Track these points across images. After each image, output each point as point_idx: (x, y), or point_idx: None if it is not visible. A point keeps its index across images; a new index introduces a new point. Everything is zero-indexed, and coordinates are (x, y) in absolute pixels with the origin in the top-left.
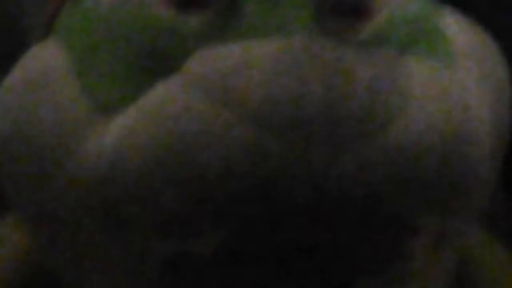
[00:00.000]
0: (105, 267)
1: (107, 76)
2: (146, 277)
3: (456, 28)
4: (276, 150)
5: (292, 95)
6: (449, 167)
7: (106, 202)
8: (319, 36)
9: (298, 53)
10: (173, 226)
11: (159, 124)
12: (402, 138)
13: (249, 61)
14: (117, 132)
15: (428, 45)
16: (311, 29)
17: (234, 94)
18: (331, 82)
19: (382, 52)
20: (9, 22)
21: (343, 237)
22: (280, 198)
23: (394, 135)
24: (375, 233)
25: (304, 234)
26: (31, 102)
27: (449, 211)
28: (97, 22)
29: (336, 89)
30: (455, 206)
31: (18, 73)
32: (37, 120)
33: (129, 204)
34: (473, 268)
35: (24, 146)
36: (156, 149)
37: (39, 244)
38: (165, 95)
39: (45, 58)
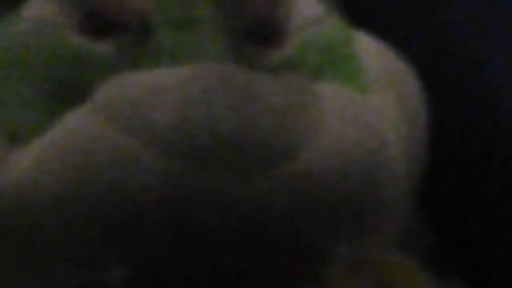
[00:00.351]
0: None
1: (16, 106)
2: None
3: (371, 52)
4: (185, 176)
5: (201, 121)
6: (360, 194)
7: (17, 233)
8: (231, 63)
9: (209, 80)
10: (84, 256)
11: (67, 154)
12: (311, 164)
13: (159, 88)
14: (27, 164)
15: (341, 70)
16: (223, 56)
17: (142, 121)
18: (241, 108)
19: (293, 77)
20: None
21: (257, 262)
22: (191, 224)
23: (303, 161)
24: (287, 259)
25: (216, 260)
26: None
27: (360, 237)
28: (6, 51)
29: (246, 115)
30: (366, 231)
31: None
32: None
33: (38, 234)
34: None
35: None
36: (64, 180)
37: None
38: (73, 124)
39: None
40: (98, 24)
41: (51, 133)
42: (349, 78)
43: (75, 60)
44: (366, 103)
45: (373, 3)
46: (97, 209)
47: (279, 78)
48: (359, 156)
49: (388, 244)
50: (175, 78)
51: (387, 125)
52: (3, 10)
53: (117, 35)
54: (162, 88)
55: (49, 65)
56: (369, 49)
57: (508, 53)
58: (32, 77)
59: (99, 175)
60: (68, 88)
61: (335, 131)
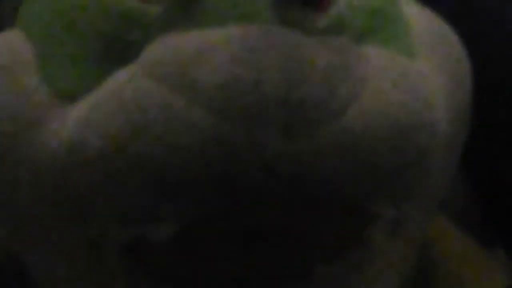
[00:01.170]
0: (62, 254)
1: (68, 64)
2: (103, 264)
3: (416, 16)
4: (231, 135)
5: (248, 81)
6: (402, 155)
7: (65, 188)
8: (277, 24)
9: (256, 41)
10: (130, 212)
11: (117, 111)
12: (355, 124)
13: (206, 48)
14: (77, 119)
15: (387, 33)
16: (271, 18)
17: (191, 80)
18: (287, 68)
19: (339, 40)
20: None
21: (300, 222)
22: (236, 182)
23: (347, 121)
24: (331, 220)
25: (261, 219)
26: None
27: (403, 199)
28: (58, 11)
29: (292, 75)
30: (409, 194)
31: None
32: None
33: (87, 190)
34: (434, 259)
35: None
36: (114, 135)
37: (2, 230)
38: (122, 82)
39: (8, 47)
40: None
41: (100, 90)
42: (395, 41)
43: (125, 20)
44: (411, 65)
45: None
46: (144, 165)
47: (325, 40)
48: (403, 117)
49: (431, 209)
50: (223, 38)
51: (432, 88)
52: None
53: None
54: (209, 47)
55: (99, 24)
56: (415, 13)
57: None
58: (82, 35)
59: (146, 132)
60: (117, 47)
61: (380, 92)
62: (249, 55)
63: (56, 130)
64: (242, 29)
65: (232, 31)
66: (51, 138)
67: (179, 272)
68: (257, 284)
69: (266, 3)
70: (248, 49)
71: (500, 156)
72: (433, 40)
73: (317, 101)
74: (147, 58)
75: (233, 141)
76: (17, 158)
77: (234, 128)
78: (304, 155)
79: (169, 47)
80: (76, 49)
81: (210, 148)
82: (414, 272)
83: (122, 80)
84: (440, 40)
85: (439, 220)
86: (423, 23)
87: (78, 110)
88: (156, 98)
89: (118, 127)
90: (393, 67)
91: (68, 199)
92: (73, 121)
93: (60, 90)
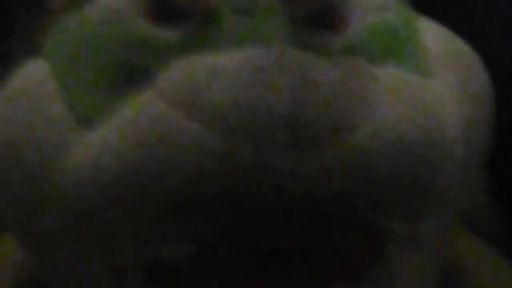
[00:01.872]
0: (88, 280)
1: (88, 90)
2: (125, 285)
3: (432, 35)
4: (244, 156)
5: (257, 102)
6: (413, 173)
7: (87, 213)
8: (292, 47)
9: (266, 61)
10: (148, 234)
11: (132, 136)
12: (365, 143)
13: (218, 70)
14: (97, 144)
15: (402, 53)
16: (285, 41)
17: (202, 103)
18: (296, 88)
19: (353, 61)
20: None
21: (315, 241)
22: (248, 202)
23: (357, 140)
24: (346, 238)
25: (277, 239)
26: (21, 115)
27: (419, 216)
28: (80, 39)
29: (303, 95)
30: (425, 212)
31: (9, 87)
32: (25, 132)
33: (107, 214)
34: (462, 275)
35: (11, 158)
36: (131, 160)
37: (28, 255)
38: (138, 107)
39: (34, 77)
40: (165, 11)
41: (117, 115)
42: (410, 61)
43: (142, 46)
44: (424, 85)
45: None
46: (159, 189)
47: (337, 61)
48: (415, 136)
49: (455, 225)
50: (234, 61)
51: (446, 107)
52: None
53: (183, 22)
54: (221, 71)
55: (117, 50)
56: (431, 32)
57: None
58: (101, 62)
59: (161, 157)
60: (135, 73)
61: (392, 111)
62: (259, 76)
63: (78, 155)
64: (255, 52)
65: (245, 54)
66: (75, 163)
67: None
68: None
69: (283, 26)
70: (259, 71)
71: None
72: (450, 60)
73: (327, 121)
74: (162, 83)
75: (244, 162)
76: (43, 186)
77: (244, 149)
78: (314, 174)
79: (184, 71)
80: (96, 75)
81: (222, 170)
82: None
83: (138, 105)
84: (458, 60)
85: (467, 237)
86: (441, 43)
87: (99, 136)
88: (170, 123)
89: (134, 153)
90: (405, 87)
91: (91, 224)
92: (95, 147)
93: (82, 116)
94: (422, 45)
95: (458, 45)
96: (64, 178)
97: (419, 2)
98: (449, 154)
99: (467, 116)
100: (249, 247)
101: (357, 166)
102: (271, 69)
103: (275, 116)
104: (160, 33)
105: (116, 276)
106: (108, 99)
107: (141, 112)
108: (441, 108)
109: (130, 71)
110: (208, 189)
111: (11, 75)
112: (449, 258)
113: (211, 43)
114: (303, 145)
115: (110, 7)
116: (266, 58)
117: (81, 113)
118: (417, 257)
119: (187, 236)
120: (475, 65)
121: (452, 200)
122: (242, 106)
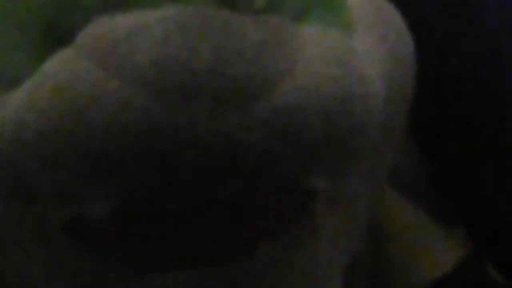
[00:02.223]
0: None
1: (9, 52)
2: (49, 244)
3: None
4: (163, 113)
5: (178, 58)
6: (334, 128)
7: (8, 169)
8: (214, 5)
9: (189, 20)
10: (68, 192)
11: (52, 93)
12: (286, 99)
13: (138, 27)
14: (17, 103)
15: (323, 10)
16: (206, 1)
17: (122, 60)
18: (217, 46)
19: (274, 19)
20: None
21: (238, 198)
22: (169, 159)
23: (278, 97)
24: (269, 195)
25: (198, 196)
26: None
27: (341, 173)
28: None
29: (224, 52)
30: (347, 168)
31: None
32: None
33: (29, 171)
34: (387, 234)
35: None
36: (52, 117)
37: None
38: (58, 64)
39: None
40: None
41: (37, 73)
42: (331, 18)
43: (63, 4)
44: (345, 41)
45: None
46: (80, 146)
47: (258, 19)
48: (334, 91)
49: (379, 183)
50: (155, 18)
51: (366, 63)
52: None
53: None
54: (141, 27)
55: (37, 9)
56: None
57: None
58: (21, 21)
59: (81, 112)
60: (58, 32)
61: (313, 68)
62: (181, 34)
63: (1, 113)
64: (176, 10)
65: (166, 12)
66: None
67: (123, 250)
68: (201, 262)
69: None
70: (181, 28)
71: (458, 134)
72: (372, 17)
73: (248, 77)
74: (82, 40)
75: (165, 119)
76: None
77: (165, 106)
78: (236, 131)
79: (103, 27)
80: (17, 37)
81: (142, 127)
82: (369, 247)
83: (58, 62)
84: (380, 16)
85: (392, 196)
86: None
87: (19, 95)
88: (90, 79)
89: (54, 109)
90: (327, 43)
91: (11, 178)
92: (15, 106)
93: (3, 78)
94: (343, 1)
95: (380, 2)
96: None
97: None
98: (371, 109)
99: (388, 72)
100: (171, 205)
101: (277, 123)
102: (194, 27)
103: (197, 75)
104: None
105: (36, 234)
106: (34, 59)
107: (60, 69)
108: (361, 64)
109: (52, 30)
110: (129, 145)
111: None
112: (374, 217)
113: (132, 3)
114: (224, 103)
115: None
116: (188, 16)
117: (3, 74)
118: (341, 215)
119: (105, 194)
120: (397, 23)
121: (375, 158)
122: (164, 64)
